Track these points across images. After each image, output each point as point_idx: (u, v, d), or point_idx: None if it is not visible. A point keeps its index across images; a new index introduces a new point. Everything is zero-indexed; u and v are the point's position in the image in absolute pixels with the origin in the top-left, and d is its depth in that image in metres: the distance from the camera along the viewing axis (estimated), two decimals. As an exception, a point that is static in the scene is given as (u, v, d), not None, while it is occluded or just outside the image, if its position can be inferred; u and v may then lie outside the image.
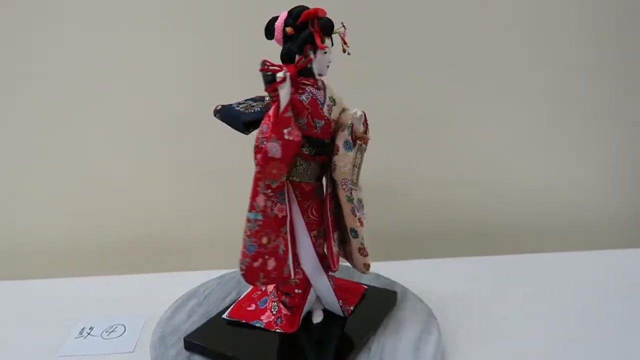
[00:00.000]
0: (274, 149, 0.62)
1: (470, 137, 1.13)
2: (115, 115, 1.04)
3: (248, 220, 0.62)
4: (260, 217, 0.63)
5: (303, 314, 0.76)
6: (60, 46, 1.00)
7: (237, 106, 0.67)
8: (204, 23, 1.02)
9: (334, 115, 0.70)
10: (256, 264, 0.64)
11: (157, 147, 1.06)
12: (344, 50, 0.72)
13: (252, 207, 0.62)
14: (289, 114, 0.63)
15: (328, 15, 0.69)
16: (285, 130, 0.62)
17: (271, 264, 0.66)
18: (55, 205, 1.07)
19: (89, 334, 0.81)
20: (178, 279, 0.95)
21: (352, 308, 0.81)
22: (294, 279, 0.72)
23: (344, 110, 0.73)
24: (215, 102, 0.66)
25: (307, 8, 0.67)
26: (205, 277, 0.93)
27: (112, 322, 0.84)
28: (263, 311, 0.78)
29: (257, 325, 0.76)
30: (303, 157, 0.69)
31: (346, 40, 0.72)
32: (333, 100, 0.71)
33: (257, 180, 0.62)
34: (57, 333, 0.81)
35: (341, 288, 0.81)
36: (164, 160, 1.06)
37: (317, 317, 0.78)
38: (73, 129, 1.04)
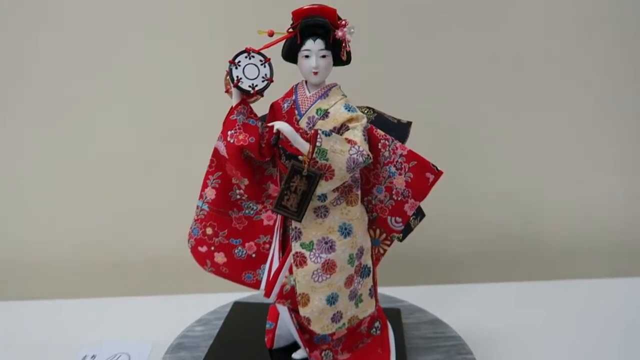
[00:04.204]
0: (221, 147, 0.63)
1: (504, 151, 1.04)
2: (128, 129, 0.99)
3: (196, 207, 0.67)
4: (206, 207, 0.66)
5: (280, 338, 0.71)
6: (66, 55, 0.95)
7: None
8: (216, 30, 0.94)
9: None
10: (201, 249, 0.67)
11: (167, 165, 1.00)
12: (342, 55, 0.59)
13: (200, 196, 0.66)
14: (235, 116, 0.61)
15: (352, 20, 0.58)
16: (229, 132, 0.61)
17: (220, 258, 0.67)
18: (56, 221, 1.01)
19: (91, 363, 0.75)
20: (188, 303, 0.90)
21: (338, 371, 0.66)
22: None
23: (343, 126, 0.59)
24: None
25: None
26: (217, 302, 0.87)
27: (116, 350, 0.78)
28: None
29: (267, 326, 0.76)
30: (281, 168, 0.64)
31: (347, 43, 0.58)
32: (323, 113, 0.60)
33: (207, 173, 0.65)
34: (58, 360, 0.75)
35: (356, 348, 0.68)
36: (173, 180, 1.00)
37: (298, 353, 0.70)
38: (82, 144, 0.99)
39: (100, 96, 0.98)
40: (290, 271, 0.63)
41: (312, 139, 0.56)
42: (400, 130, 0.66)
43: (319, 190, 0.57)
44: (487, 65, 0.99)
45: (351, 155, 0.57)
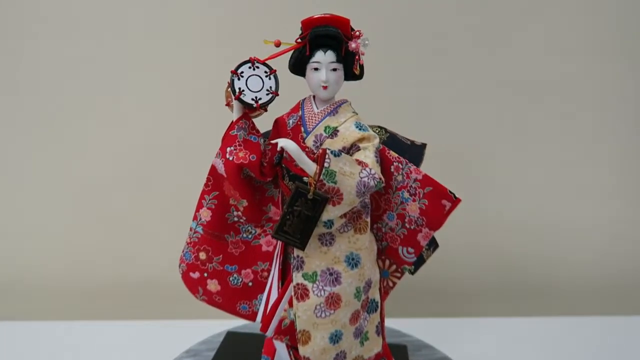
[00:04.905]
0: (219, 165, 0.58)
1: (519, 179, 0.99)
2: (125, 148, 0.94)
3: (190, 229, 0.62)
4: (200, 230, 0.61)
5: None
6: (63, 65, 0.91)
7: None
8: (218, 39, 0.90)
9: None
10: (193, 275, 0.62)
11: (160, 184, 0.94)
12: (355, 68, 0.54)
13: (194, 217, 0.61)
14: (235, 132, 0.56)
15: (367, 32, 0.54)
16: (228, 149, 0.56)
17: (213, 285, 0.62)
18: (43, 244, 0.96)
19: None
20: (178, 330, 0.84)
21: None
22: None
23: (354, 146, 0.54)
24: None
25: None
26: (209, 330, 0.81)
27: None
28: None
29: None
30: (284, 190, 0.58)
31: (360, 55, 0.53)
32: (331, 131, 0.55)
33: (202, 192, 0.60)
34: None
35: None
36: (166, 199, 0.94)
37: (296, 393, 0.63)
38: (78, 162, 0.94)
39: (94, 114, 0.93)
40: (290, 304, 0.57)
41: (319, 159, 0.51)
42: (414, 152, 0.61)
43: (325, 216, 0.52)
44: (506, 89, 0.94)
45: (362, 178, 0.52)
